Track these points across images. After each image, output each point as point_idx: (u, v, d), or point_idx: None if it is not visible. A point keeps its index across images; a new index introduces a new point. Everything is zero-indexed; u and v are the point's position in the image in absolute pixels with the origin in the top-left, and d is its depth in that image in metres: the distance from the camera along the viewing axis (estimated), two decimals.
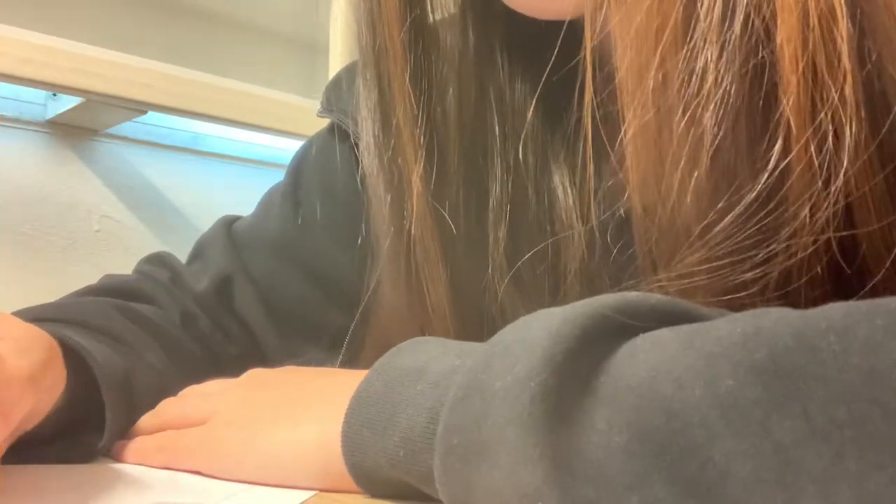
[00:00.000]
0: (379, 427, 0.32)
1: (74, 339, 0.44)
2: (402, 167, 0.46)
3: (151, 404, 0.47)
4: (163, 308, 0.57)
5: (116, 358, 0.46)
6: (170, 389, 0.49)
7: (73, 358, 0.43)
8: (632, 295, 0.28)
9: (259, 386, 0.43)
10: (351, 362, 0.53)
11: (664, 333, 0.26)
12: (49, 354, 0.38)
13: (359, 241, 0.53)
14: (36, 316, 0.46)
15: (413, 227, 0.45)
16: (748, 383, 0.23)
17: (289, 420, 0.38)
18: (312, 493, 0.35)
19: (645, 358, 0.26)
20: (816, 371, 0.22)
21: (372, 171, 0.48)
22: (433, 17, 0.48)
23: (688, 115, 0.31)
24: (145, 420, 0.46)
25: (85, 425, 0.44)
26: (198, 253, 0.63)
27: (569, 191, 0.47)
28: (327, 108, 0.59)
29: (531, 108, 0.48)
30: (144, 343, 0.51)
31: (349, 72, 0.59)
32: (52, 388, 0.39)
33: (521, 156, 0.48)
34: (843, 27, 0.28)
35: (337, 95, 0.59)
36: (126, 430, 0.46)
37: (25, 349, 0.36)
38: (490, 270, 0.46)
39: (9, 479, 0.38)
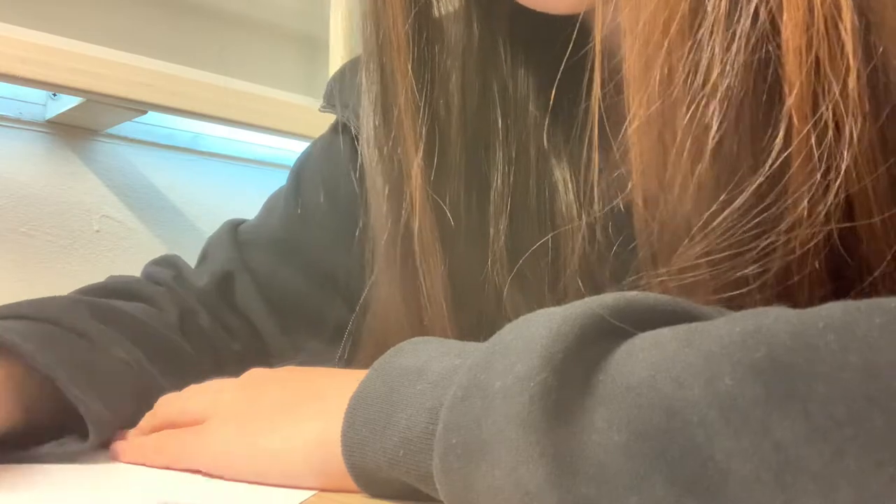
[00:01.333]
0: (378, 427, 0.32)
1: (5, 336, 0.43)
2: (401, 158, 0.46)
3: (133, 398, 0.47)
4: (158, 307, 0.57)
5: (67, 348, 0.45)
6: (153, 386, 0.48)
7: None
8: (631, 294, 0.28)
9: (259, 385, 0.43)
10: (351, 356, 0.53)
11: (663, 332, 0.26)
12: None
13: (357, 234, 0.53)
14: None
15: (411, 219, 0.45)
16: (748, 382, 0.23)
17: (289, 420, 0.38)
18: (312, 493, 0.35)
19: (644, 357, 0.26)
20: (815, 370, 0.22)
21: (371, 161, 0.48)
22: (438, 11, 0.48)
23: (692, 107, 0.31)
24: (145, 420, 0.46)
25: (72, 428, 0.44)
26: (204, 255, 0.64)
27: (570, 184, 0.47)
28: (329, 102, 0.59)
29: (534, 101, 0.48)
30: (110, 339, 0.50)
31: (352, 67, 0.59)
32: None
33: (523, 148, 0.48)
34: (849, 21, 0.29)
35: (339, 90, 0.59)
36: (109, 416, 0.45)
37: None
38: (490, 263, 0.46)
39: (8, 478, 0.38)
